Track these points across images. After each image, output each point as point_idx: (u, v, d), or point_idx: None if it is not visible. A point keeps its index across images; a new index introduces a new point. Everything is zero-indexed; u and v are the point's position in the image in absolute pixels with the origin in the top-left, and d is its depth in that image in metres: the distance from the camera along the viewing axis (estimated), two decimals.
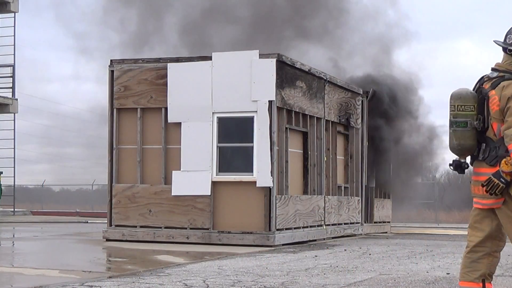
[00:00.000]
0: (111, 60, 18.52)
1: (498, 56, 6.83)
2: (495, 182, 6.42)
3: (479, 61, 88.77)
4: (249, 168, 17.25)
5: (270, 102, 17.14)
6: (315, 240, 19.20)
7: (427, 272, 11.63)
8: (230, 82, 17.39)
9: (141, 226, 17.92)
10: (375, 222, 24.87)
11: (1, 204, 36.68)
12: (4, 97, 36.15)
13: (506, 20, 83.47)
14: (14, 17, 37.74)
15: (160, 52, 26.89)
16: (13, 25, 37.79)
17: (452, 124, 6.71)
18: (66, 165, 65.05)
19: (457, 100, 6.69)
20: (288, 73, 17.92)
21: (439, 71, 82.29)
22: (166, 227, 17.73)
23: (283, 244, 17.29)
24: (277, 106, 17.32)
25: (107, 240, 18.08)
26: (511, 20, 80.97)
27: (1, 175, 34.95)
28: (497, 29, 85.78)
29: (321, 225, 19.84)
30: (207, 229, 17.42)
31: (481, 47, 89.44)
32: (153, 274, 10.94)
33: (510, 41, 6.70)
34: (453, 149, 6.74)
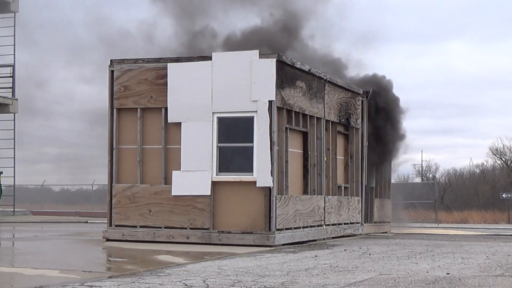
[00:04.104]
0: (111, 60, 18.52)
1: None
2: None
3: (471, 62, 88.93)
4: (249, 168, 17.25)
5: (270, 102, 17.14)
6: (315, 240, 19.20)
7: (427, 272, 11.63)
8: (230, 82, 17.39)
9: (141, 226, 17.92)
10: (375, 222, 24.87)
11: (1, 204, 36.68)
12: (4, 97, 36.17)
13: (498, 22, 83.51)
14: (14, 17, 37.78)
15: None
16: (13, 25, 37.83)
17: None
18: (66, 165, 65.05)
19: None
20: (288, 73, 17.92)
21: (431, 72, 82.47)
22: (166, 227, 17.73)
23: (283, 244, 17.29)
24: (277, 106, 17.32)
25: (107, 240, 18.07)
26: (502, 22, 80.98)
27: (1, 175, 34.96)
28: (489, 30, 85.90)
29: (321, 225, 19.84)
30: (207, 229, 17.42)
31: (473, 49, 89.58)
32: (153, 274, 10.94)
33: None
34: None
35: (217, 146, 17.48)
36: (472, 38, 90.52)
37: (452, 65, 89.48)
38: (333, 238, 20.47)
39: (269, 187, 17.05)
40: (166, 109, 17.84)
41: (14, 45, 37.84)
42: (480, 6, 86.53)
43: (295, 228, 18.18)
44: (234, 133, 17.50)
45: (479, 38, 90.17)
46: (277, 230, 17.16)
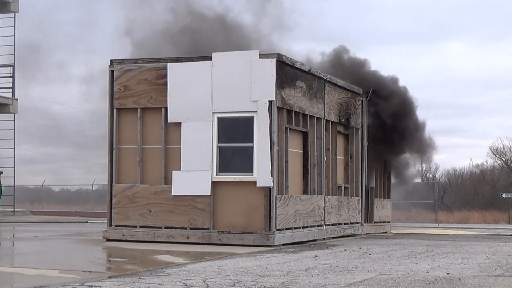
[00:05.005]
0: (111, 60, 18.52)
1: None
2: None
3: (469, 62, 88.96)
4: (249, 168, 17.25)
5: (270, 102, 17.14)
6: (315, 240, 19.20)
7: (427, 272, 11.63)
8: (230, 82, 17.39)
9: (141, 226, 17.92)
10: (375, 222, 24.87)
11: (1, 204, 36.70)
12: (4, 97, 36.18)
13: (497, 22, 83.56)
14: (14, 17, 37.79)
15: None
16: (13, 25, 37.84)
17: None
18: (66, 165, 65.07)
19: None
20: (288, 73, 17.92)
21: (430, 72, 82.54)
22: (166, 227, 17.73)
23: (283, 244, 17.29)
24: (277, 106, 17.31)
25: (107, 240, 18.07)
26: (500, 22, 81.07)
27: (1, 175, 34.97)
28: (487, 31, 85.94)
29: (321, 225, 19.84)
30: (207, 229, 17.42)
31: (472, 49, 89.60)
32: (153, 274, 10.94)
33: None
34: None
35: (217, 146, 17.48)
36: (471, 38, 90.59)
37: (451, 65, 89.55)
38: (333, 238, 20.47)
39: (269, 187, 17.05)
40: (166, 109, 17.84)
41: (14, 45, 37.86)
42: (479, 7, 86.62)
43: (295, 228, 18.18)
44: (234, 133, 17.50)
45: (477, 38, 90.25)
46: (277, 230, 17.16)
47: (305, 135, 19.33)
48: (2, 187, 35.50)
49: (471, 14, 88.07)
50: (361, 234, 22.82)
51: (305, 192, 19.26)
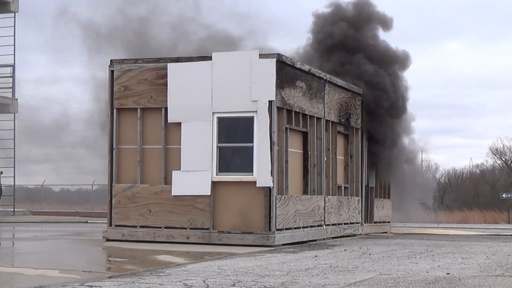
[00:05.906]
0: (111, 60, 18.52)
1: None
2: None
3: (467, 62, 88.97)
4: (249, 168, 17.25)
5: (270, 102, 17.14)
6: (315, 240, 19.20)
7: (427, 272, 11.63)
8: (230, 82, 17.39)
9: (141, 226, 17.92)
10: (375, 222, 24.87)
11: (1, 204, 36.71)
12: (4, 97, 36.20)
13: (495, 22, 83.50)
14: (14, 17, 37.84)
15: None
16: (13, 25, 37.88)
17: None
18: (66, 165, 65.01)
19: None
20: (288, 73, 17.92)
21: (428, 72, 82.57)
22: (166, 227, 17.73)
23: (283, 244, 17.29)
24: (277, 106, 17.32)
25: (107, 240, 18.07)
26: (499, 22, 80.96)
27: (1, 175, 34.97)
28: (486, 31, 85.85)
29: (321, 225, 19.84)
30: (207, 229, 17.42)
31: (471, 49, 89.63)
32: (153, 274, 10.94)
33: None
34: None
35: (217, 146, 17.48)
36: (469, 39, 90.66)
37: (450, 65, 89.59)
38: (333, 238, 20.47)
39: (269, 187, 17.05)
40: (166, 109, 17.84)
41: (14, 45, 37.89)
42: (477, 7, 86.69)
43: (295, 228, 18.18)
44: (234, 133, 17.50)
45: (476, 38, 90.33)
46: (277, 230, 17.16)
47: (305, 135, 19.33)
48: (2, 187, 35.50)
49: (471, 14, 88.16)
50: (361, 234, 22.82)
51: (305, 192, 19.26)
